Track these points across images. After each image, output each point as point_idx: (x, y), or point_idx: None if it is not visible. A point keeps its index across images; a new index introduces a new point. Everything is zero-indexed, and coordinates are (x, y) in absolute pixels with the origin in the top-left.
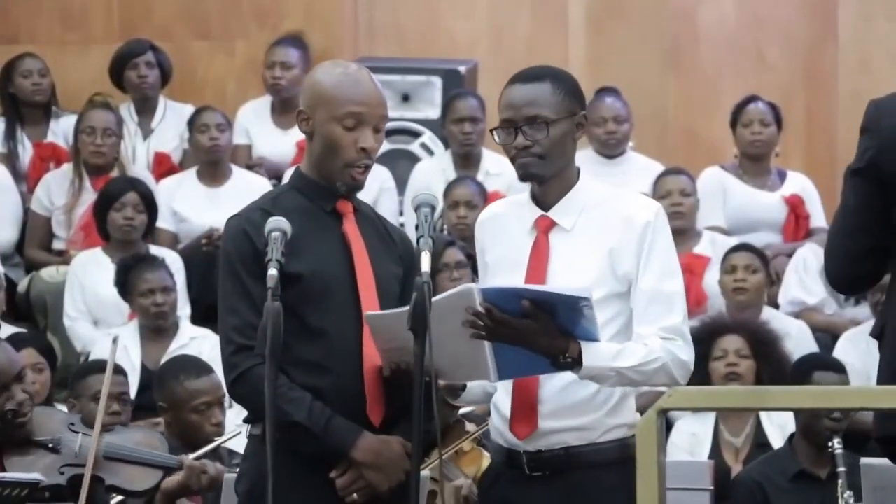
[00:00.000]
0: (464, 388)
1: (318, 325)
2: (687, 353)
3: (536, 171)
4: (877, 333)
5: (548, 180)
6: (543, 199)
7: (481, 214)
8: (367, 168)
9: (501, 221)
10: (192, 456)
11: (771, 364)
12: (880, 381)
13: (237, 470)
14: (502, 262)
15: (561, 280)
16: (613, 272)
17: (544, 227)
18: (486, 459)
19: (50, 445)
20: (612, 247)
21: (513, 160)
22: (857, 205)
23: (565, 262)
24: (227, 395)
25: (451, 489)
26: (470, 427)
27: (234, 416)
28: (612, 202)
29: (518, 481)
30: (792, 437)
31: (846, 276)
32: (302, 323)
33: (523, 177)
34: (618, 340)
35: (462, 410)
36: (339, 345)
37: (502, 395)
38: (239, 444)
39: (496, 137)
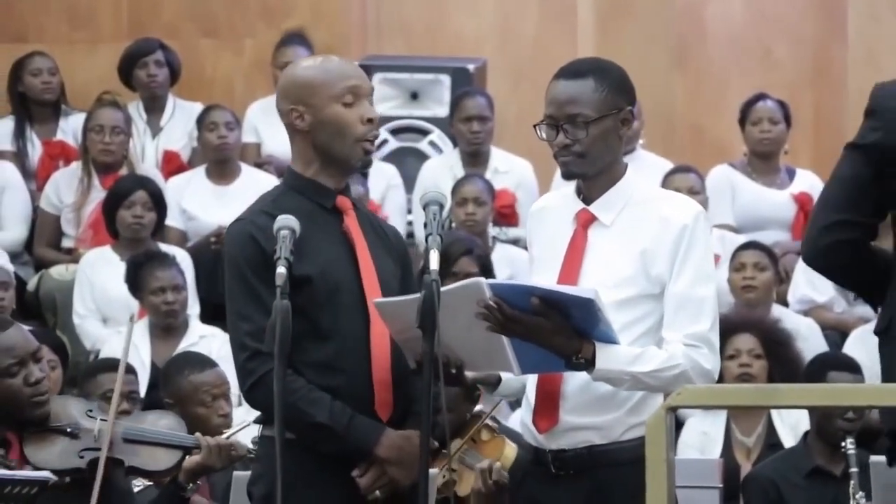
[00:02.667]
0: (499, 381)
1: (328, 326)
2: (711, 362)
3: (577, 169)
4: (881, 328)
5: (591, 177)
6: (588, 193)
7: (532, 206)
8: (375, 139)
9: (547, 214)
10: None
11: (783, 364)
12: (885, 380)
13: (249, 469)
14: (544, 256)
15: (593, 277)
16: (646, 272)
17: (584, 221)
18: (509, 447)
19: (69, 430)
20: (646, 247)
21: (555, 157)
22: (849, 176)
23: (600, 259)
24: (231, 387)
25: (478, 472)
26: (488, 420)
27: (243, 413)
28: (653, 201)
29: (544, 480)
30: (807, 434)
31: (814, 245)
32: (312, 324)
33: (565, 175)
34: (644, 341)
35: (479, 408)
36: (349, 344)
37: (531, 388)
38: (247, 437)
39: (540, 133)
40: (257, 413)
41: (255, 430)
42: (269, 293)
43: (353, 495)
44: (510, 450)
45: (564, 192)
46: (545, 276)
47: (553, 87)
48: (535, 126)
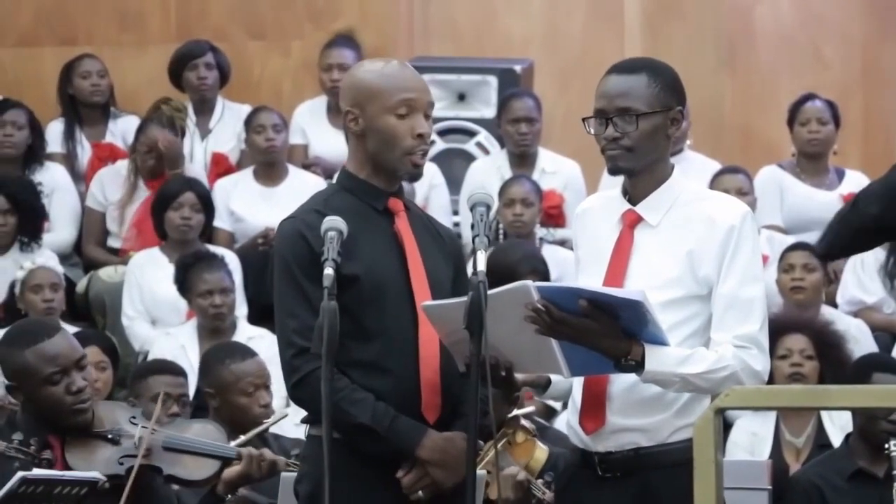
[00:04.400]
0: (548, 383)
1: (375, 326)
2: (761, 363)
3: (624, 164)
4: None
5: (637, 174)
6: (633, 194)
7: (578, 208)
8: (426, 153)
9: (593, 216)
10: (234, 443)
11: (834, 366)
12: None
13: (295, 468)
14: (590, 257)
15: (640, 278)
16: (693, 274)
17: (630, 222)
18: (539, 450)
19: (110, 437)
20: (693, 248)
21: (602, 151)
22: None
23: (646, 260)
24: (271, 375)
25: (506, 477)
26: (525, 422)
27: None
28: (699, 202)
29: (591, 482)
30: (849, 436)
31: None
32: (358, 324)
33: (612, 170)
34: (692, 343)
35: (521, 411)
36: (396, 345)
37: (577, 390)
38: (285, 430)
39: (588, 127)
40: (299, 408)
41: (292, 421)
42: (316, 291)
43: (398, 495)
44: (541, 452)
45: (609, 194)
46: (591, 278)
47: (605, 82)
48: (583, 120)
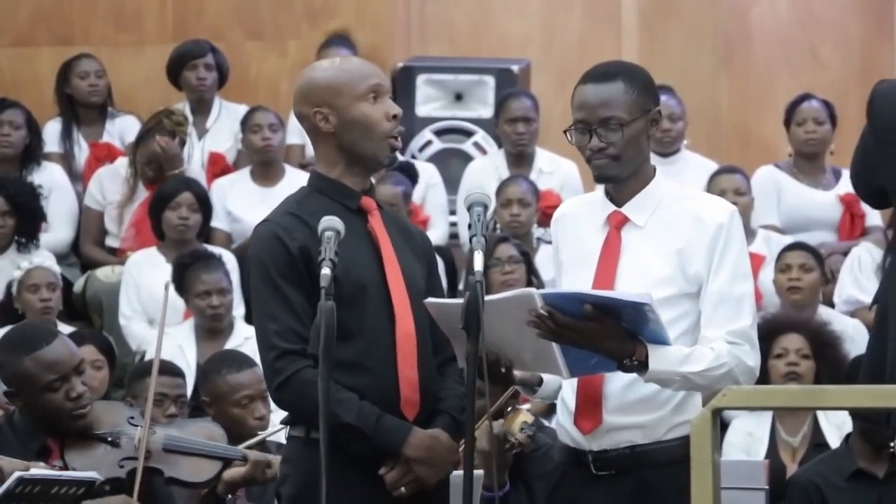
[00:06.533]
0: (540, 382)
1: (355, 325)
2: (754, 359)
3: (612, 172)
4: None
5: (623, 179)
6: (617, 196)
7: (556, 212)
8: (401, 135)
9: (575, 219)
10: (241, 446)
11: (830, 365)
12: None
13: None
14: (575, 259)
15: (630, 278)
16: (683, 272)
17: (617, 223)
18: (524, 414)
19: (110, 439)
20: (682, 247)
21: (588, 160)
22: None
23: (635, 260)
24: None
25: (482, 432)
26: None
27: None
28: (685, 202)
29: (584, 481)
30: (848, 436)
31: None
32: (339, 324)
33: (599, 178)
34: (684, 340)
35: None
36: (374, 343)
37: (568, 390)
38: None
39: (570, 138)
40: (287, 418)
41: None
42: (294, 293)
43: (380, 494)
44: (525, 416)
45: (589, 197)
46: (578, 280)
47: (582, 92)
48: (564, 131)
